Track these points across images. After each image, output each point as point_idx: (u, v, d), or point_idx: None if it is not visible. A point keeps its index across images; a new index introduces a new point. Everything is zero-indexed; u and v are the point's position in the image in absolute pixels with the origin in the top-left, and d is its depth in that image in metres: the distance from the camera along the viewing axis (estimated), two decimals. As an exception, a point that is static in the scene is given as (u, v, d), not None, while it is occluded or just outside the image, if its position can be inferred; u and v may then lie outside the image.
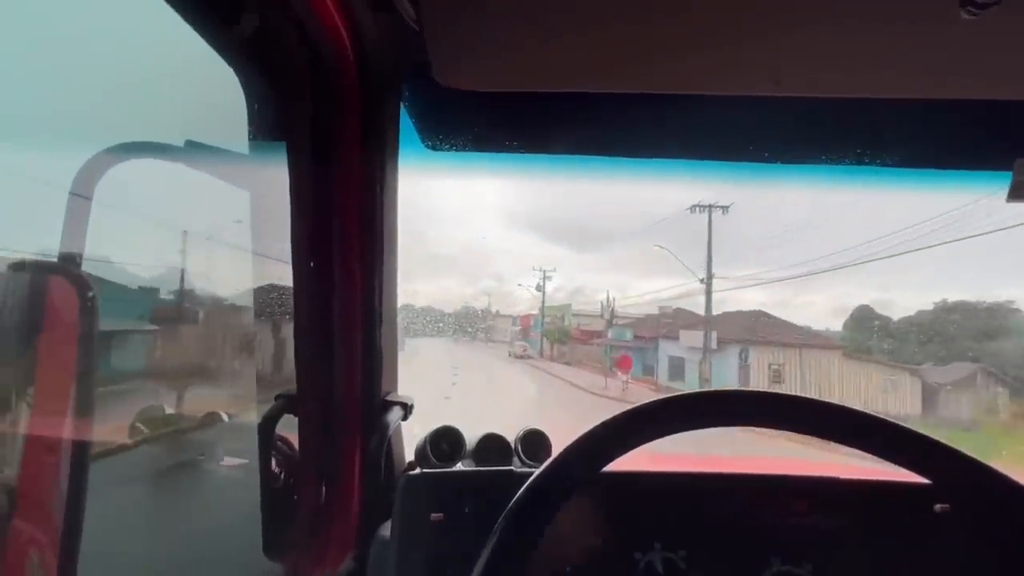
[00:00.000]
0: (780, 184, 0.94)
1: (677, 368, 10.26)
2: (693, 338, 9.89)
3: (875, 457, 0.56)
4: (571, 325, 13.25)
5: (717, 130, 0.84)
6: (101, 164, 0.69)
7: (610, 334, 12.06)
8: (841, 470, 0.79)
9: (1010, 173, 0.82)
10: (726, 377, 8.88)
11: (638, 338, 11.51)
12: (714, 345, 9.21)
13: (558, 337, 13.23)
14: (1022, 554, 0.53)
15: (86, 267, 0.69)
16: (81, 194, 0.68)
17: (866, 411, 0.55)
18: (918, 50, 0.61)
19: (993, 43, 0.59)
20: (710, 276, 9.29)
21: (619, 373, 9.51)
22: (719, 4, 0.60)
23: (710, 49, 0.68)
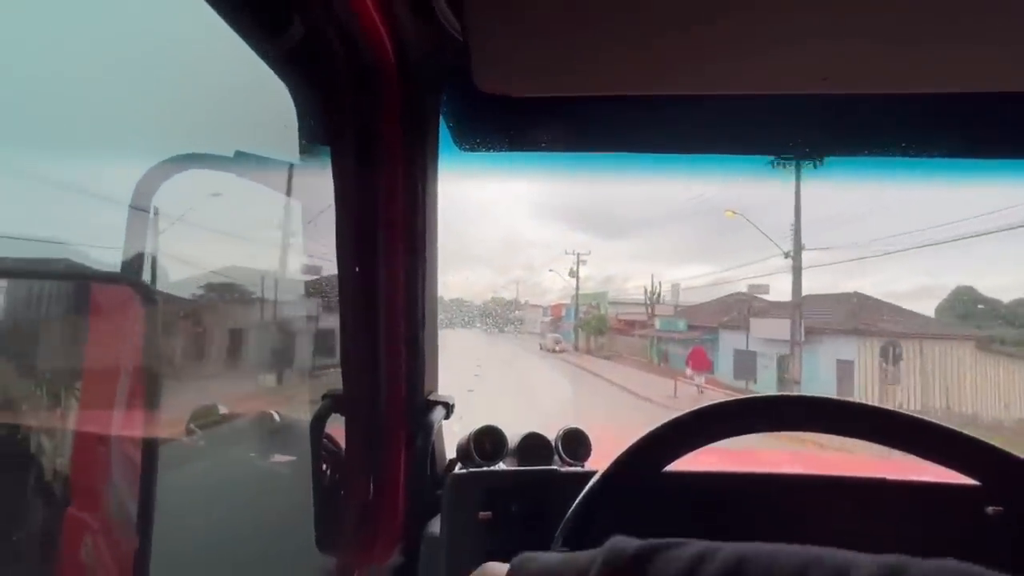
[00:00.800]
0: (824, 178, 0.93)
1: (746, 365, 8.53)
2: (770, 328, 7.92)
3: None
4: (609, 314, 11.93)
5: (757, 127, 0.83)
6: (159, 175, 0.72)
7: (657, 324, 10.60)
8: (889, 471, 0.78)
9: None
10: (820, 378, 7.09)
11: (693, 328, 9.98)
12: (801, 336, 7.22)
13: (595, 327, 11.84)
14: None
15: (145, 274, 0.72)
16: (141, 205, 0.71)
17: (912, 413, 0.55)
18: (987, 43, 0.59)
19: None
20: (799, 247, 7.02)
21: (690, 372, 7.91)
22: (763, 4, 0.59)
23: (753, 50, 0.67)
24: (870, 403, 0.54)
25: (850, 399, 0.53)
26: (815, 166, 0.87)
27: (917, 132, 0.84)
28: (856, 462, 0.87)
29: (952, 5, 0.56)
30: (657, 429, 0.51)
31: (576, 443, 0.87)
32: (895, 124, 0.82)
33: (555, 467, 0.83)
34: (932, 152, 0.90)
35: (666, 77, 0.71)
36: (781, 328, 7.67)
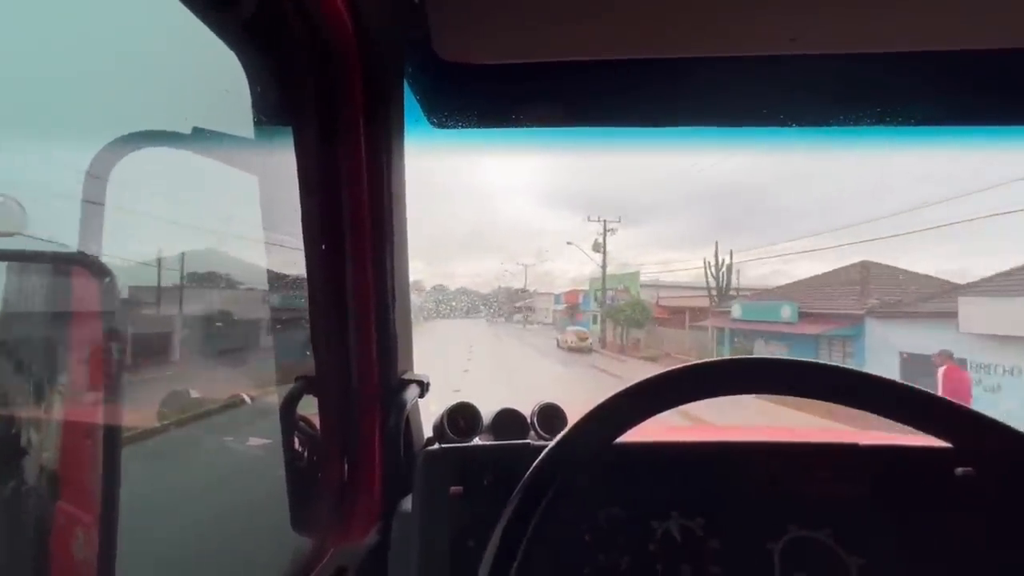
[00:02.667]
0: (803, 148, 0.91)
1: (951, 386, 4.47)
2: (1004, 315, 4.36)
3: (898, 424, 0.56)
4: (649, 300, 8.69)
5: (730, 94, 0.81)
6: (110, 155, 0.69)
7: (735, 311, 7.02)
8: (859, 437, 0.78)
9: None
10: None
11: (812, 317, 5.90)
12: None
13: (631, 317, 8.69)
14: None
15: (103, 257, 0.70)
16: (93, 186, 0.69)
17: (888, 377, 0.54)
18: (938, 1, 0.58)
19: None
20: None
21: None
22: None
23: (720, 7, 0.65)
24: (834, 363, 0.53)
25: (813, 360, 0.52)
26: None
27: (897, 96, 0.82)
28: (826, 430, 0.87)
29: None
30: (608, 400, 0.51)
31: (552, 418, 0.87)
32: (873, 88, 0.80)
33: (528, 441, 0.82)
34: (914, 118, 0.88)
35: (629, 38, 0.69)
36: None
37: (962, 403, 0.53)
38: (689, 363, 0.52)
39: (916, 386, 0.52)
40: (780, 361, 0.53)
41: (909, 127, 0.91)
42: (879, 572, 0.68)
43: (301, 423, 0.82)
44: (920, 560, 0.69)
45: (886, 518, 0.71)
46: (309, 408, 0.81)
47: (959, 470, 0.68)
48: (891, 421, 0.55)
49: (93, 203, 0.70)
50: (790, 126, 0.89)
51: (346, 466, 0.82)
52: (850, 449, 0.75)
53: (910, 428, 0.55)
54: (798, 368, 0.52)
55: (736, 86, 0.79)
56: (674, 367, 0.52)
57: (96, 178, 0.70)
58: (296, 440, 0.81)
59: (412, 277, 0.92)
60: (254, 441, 0.89)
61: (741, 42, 0.69)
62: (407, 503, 0.80)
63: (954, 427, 0.54)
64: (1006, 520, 0.65)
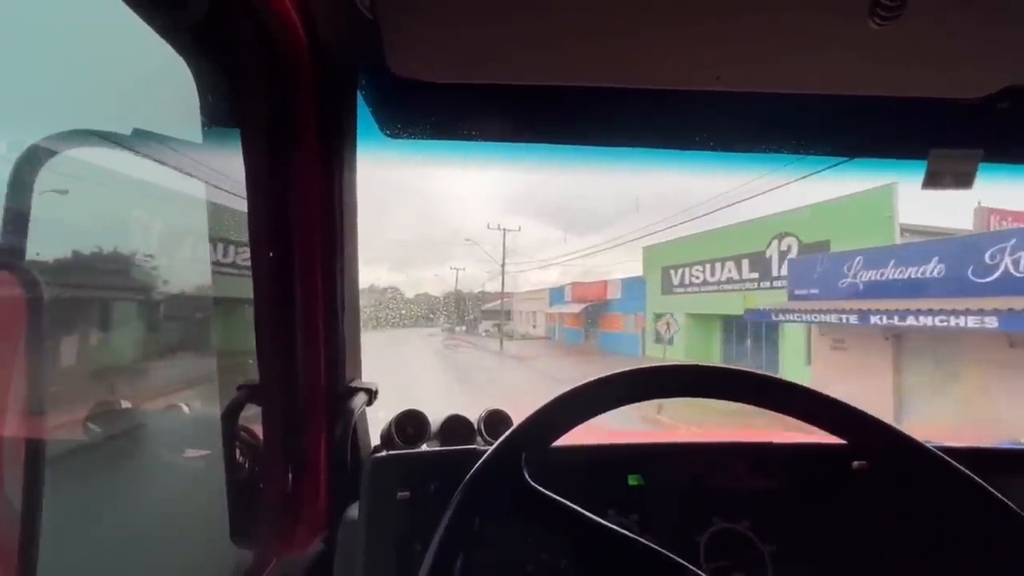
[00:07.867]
0: (720, 171, 1.00)
1: None
2: None
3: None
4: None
5: (663, 121, 0.89)
6: (44, 152, 0.66)
7: None
8: (776, 436, 0.87)
9: (925, 162, 0.90)
10: None
11: None
12: None
13: None
14: (927, 503, 0.60)
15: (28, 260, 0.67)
16: (22, 184, 0.66)
17: (791, 380, 0.62)
18: (837, 53, 0.67)
19: (901, 49, 0.66)
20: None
21: None
22: (663, 10, 0.64)
23: (657, 46, 0.72)
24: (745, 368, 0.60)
25: (726, 366, 0.59)
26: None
27: (804, 130, 0.93)
28: (745, 431, 0.95)
29: (824, 20, 0.63)
30: (545, 406, 0.55)
31: (498, 423, 0.90)
32: (783, 122, 0.91)
33: (474, 447, 0.85)
34: (818, 150, 1.00)
35: (574, 69, 0.74)
36: None
37: (853, 405, 0.61)
38: (619, 370, 0.56)
39: (816, 390, 0.59)
40: (701, 367, 0.59)
41: (821, 156, 1.04)
42: (788, 557, 0.76)
43: (243, 432, 0.81)
44: (822, 544, 0.77)
45: (794, 508, 0.79)
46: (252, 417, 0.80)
47: (855, 464, 0.77)
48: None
49: (17, 203, 0.67)
50: (715, 151, 0.99)
51: (290, 475, 0.81)
52: (765, 447, 0.83)
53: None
54: (716, 374, 0.58)
55: (668, 115, 0.87)
56: (608, 373, 0.56)
57: (26, 175, 0.67)
58: (237, 450, 0.80)
59: (368, 282, 0.93)
60: (192, 452, 0.86)
61: (671, 77, 0.76)
62: (353, 511, 0.80)
63: (846, 426, 0.61)
64: (895, 507, 0.74)
